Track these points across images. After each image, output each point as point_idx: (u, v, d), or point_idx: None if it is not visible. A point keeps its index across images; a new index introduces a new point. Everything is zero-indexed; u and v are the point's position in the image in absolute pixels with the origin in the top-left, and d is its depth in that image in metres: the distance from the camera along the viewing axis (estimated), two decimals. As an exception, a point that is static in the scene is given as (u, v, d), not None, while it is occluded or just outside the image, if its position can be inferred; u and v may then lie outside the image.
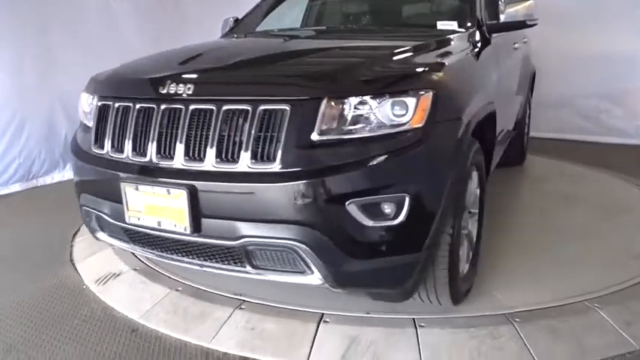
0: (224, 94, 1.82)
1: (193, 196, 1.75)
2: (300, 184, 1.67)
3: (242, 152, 1.74)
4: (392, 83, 1.85)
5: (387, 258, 1.80)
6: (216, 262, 1.92)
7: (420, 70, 1.97)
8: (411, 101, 1.76)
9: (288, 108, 1.71)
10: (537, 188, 4.00)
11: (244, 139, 1.72)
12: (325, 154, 1.71)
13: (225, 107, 1.77)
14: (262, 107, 1.73)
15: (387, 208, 1.72)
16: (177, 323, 2.25)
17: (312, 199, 1.67)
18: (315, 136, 1.72)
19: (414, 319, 2.19)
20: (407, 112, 1.75)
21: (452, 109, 1.93)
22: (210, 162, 1.77)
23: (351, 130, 1.73)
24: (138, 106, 1.94)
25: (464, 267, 2.25)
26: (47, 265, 2.87)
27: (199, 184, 1.76)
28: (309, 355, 2.01)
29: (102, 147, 2.06)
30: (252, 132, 1.71)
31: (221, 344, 2.10)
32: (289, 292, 2.36)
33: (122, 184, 1.89)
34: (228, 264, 1.90)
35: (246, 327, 2.18)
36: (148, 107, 1.91)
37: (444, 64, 2.02)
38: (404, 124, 1.75)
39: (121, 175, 1.91)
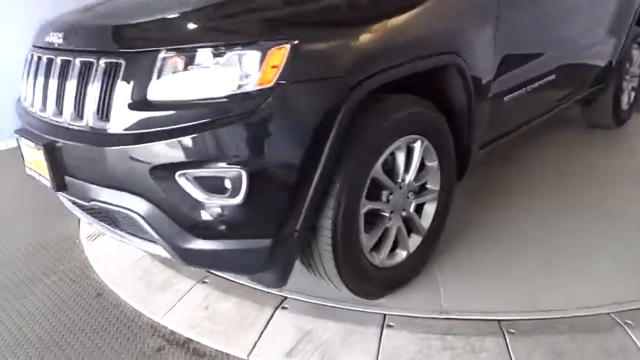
0: (78, 45, 1.65)
1: (50, 152, 1.64)
2: (127, 149, 1.44)
3: (86, 109, 1.56)
4: (237, 33, 1.46)
5: (233, 240, 1.52)
6: (97, 220, 1.81)
7: (274, 14, 1.54)
8: (255, 56, 1.39)
9: (123, 62, 1.46)
10: (617, 163, 3.22)
11: (89, 95, 1.55)
12: (158, 116, 1.42)
13: (78, 59, 1.61)
14: (103, 60, 1.52)
15: (224, 184, 1.44)
16: (139, 291, 2.15)
17: (142, 167, 1.44)
18: (149, 95, 1.44)
19: (384, 315, 1.87)
20: (252, 68, 1.40)
21: (324, 65, 1.49)
22: (66, 117, 1.63)
23: (190, 89, 1.42)
24: (29, 54, 1.90)
25: (381, 256, 1.88)
26: (49, 217, 2.91)
27: (56, 140, 1.64)
28: (252, 346, 1.79)
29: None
30: (94, 87, 1.53)
31: (171, 321, 1.96)
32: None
33: (18, 137, 1.85)
34: (106, 223, 1.77)
35: (201, 305, 2.01)
36: (33, 54, 1.86)
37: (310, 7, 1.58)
38: (246, 84, 1.40)
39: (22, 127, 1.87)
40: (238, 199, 1.44)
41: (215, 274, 2.17)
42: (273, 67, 1.39)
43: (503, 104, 2.32)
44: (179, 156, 1.41)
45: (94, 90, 1.53)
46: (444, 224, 2.17)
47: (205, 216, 1.49)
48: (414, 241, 2.02)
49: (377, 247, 1.87)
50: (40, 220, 2.88)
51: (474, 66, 2.00)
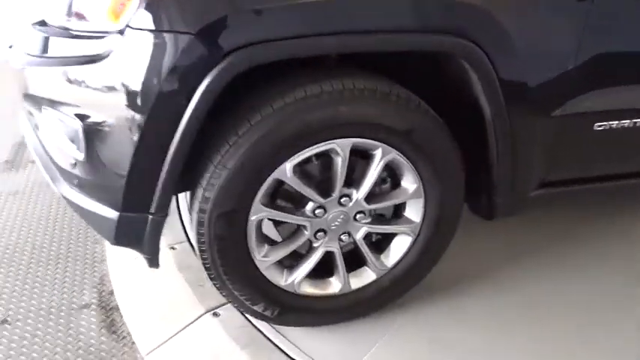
0: None
1: None
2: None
3: None
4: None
5: (88, 200, 1.35)
6: None
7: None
8: None
9: None
10: None
11: None
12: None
13: None
14: None
15: (71, 134, 1.27)
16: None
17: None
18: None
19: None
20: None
21: (190, 16, 1.13)
22: None
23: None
24: None
25: (292, 279, 1.46)
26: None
27: None
28: (156, 347, 1.64)
29: None
30: None
31: (118, 282, 1.89)
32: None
33: None
34: None
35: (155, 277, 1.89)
36: None
37: None
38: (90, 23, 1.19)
39: None
40: (81, 155, 1.27)
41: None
42: (121, 4, 1.13)
43: (592, 134, 1.51)
44: (35, 88, 1.30)
45: None
46: (426, 271, 1.59)
47: (64, 163, 1.36)
48: (364, 277, 1.54)
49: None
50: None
51: (511, 64, 1.32)
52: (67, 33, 1.27)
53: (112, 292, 1.85)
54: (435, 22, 1.27)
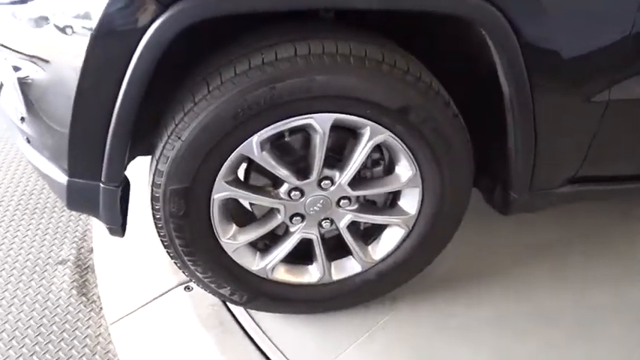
0: None
1: None
2: None
3: None
4: None
5: (40, 158, 1.24)
6: None
7: None
8: None
9: None
10: None
11: None
12: None
13: None
14: None
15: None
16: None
17: None
18: None
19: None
20: None
21: None
22: None
23: None
24: None
25: (264, 263, 1.30)
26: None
27: None
28: (120, 318, 1.54)
29: None
30: None
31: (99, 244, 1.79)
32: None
33: None
34: None
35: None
36: None
37: None
38: None
39: None
40: (24, 110, 1.12)
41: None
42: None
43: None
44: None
45: None
46: (419, 269, 1.39)
47: (14, 117, 1.22)
48: (348, 268, 1.36)
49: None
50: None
51: (539, 28, 1.04)
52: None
53: (91, 250, 1.76)
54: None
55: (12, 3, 1.02)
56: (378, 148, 1.21)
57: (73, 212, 1.91)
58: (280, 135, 1.14)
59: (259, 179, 1.25)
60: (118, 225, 1.25)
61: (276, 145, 1.15)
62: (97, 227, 1.82)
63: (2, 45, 1.14)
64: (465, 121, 1.20)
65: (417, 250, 1.33)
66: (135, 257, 1.67)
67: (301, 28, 1.10)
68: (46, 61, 1.02)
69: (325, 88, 1.03)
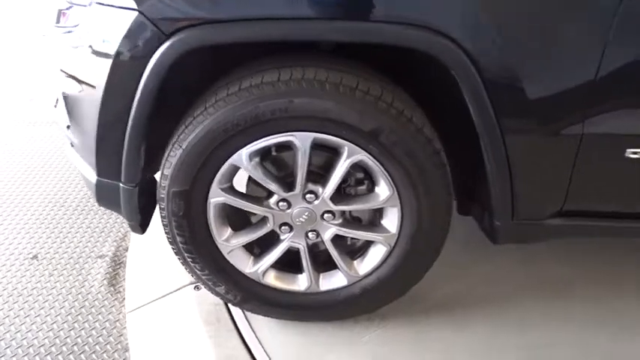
0: None
1: None
2: None
3: None
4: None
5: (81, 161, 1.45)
6: None
7: None
8: None
9: None
10: None
11: None
12: None
13: None
14: None
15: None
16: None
17: None
18: None
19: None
20: None
21: None
22: None
23: None
24: None
25: (256, 267, 1.43)
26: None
27: None
28: (137, 307, 1.75)
29: None
30: None
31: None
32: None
33: None
34: None
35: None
36: None
37: None
38: None
39: None
40: (67, 118, 1.37)
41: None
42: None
43: (623, 162, 1.23)
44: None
45: None
46: (402, 289, 1.45)
47: (63, 125, 1.48)
48: (335, 280, 1.45)
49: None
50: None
51: (500, 66, 1.12)
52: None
53: (127, 249, 2.00)
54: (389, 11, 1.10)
55: (66, 32, 1.28)
56: (362, 169, 1.32)
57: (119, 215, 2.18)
58: (269, 150, 1.29)
59: (256, 190, 1.40)
60: (137, 222, 1.45)
61: (265, 158, 1.30)
62: (136, 230, 2.06)
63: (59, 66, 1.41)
64: (450, 148, 1.28)
65: (399, 268, 1.40)
66: (160, 257, 1.87)
67: (294, 58, 1.26)
68: (81, 81, 1.27)
69: (301, 109, 1.17)
